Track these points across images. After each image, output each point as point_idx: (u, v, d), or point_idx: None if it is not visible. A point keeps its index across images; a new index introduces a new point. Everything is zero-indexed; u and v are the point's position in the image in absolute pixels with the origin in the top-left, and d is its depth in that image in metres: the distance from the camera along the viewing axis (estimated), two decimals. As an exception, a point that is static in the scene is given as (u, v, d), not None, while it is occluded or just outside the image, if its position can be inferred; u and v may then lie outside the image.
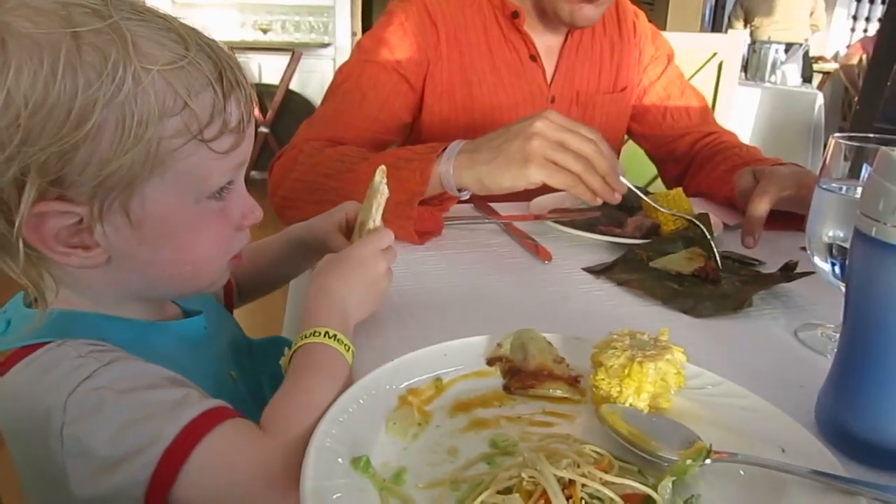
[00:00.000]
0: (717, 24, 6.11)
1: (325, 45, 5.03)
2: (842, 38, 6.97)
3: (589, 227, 1.00)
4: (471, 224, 1.05)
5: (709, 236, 0.91)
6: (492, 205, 1.13)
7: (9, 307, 0.58)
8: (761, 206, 0.95)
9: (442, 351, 0.60)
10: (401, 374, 0.56)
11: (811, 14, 5.47)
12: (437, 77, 1.23)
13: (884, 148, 0.49)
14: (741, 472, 0.48)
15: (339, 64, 1.68)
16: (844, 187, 0.66)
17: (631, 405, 0.53)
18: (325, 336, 0.57)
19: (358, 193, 0.76)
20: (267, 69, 4.73)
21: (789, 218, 0.98)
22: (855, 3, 7.14)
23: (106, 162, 0.48)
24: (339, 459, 0.45)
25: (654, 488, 0.43)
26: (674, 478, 0.44)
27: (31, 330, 0.52)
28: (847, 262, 0.53)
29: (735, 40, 1.98)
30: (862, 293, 0.50)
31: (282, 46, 4.81)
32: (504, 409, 0.55)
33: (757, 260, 0.91)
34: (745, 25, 5.45)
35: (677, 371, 0.55)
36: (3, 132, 0.46)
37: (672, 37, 1.47)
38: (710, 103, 1.78)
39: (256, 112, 0.57)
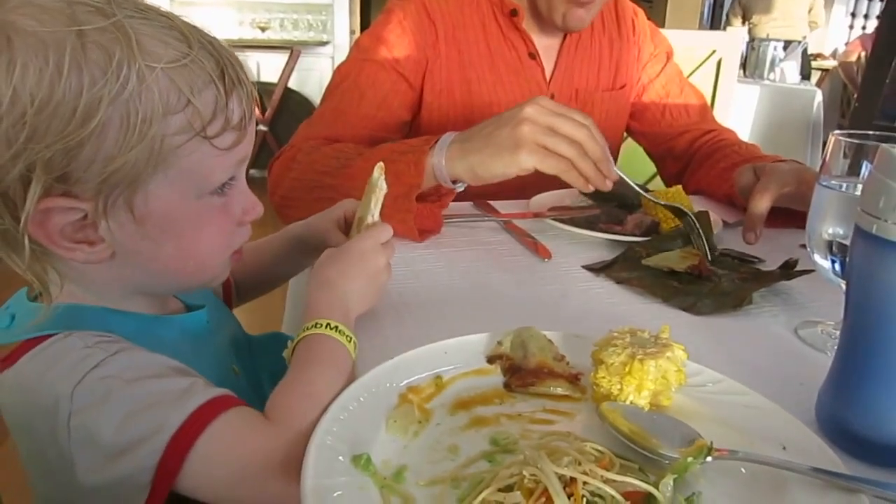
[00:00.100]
0: (715, 21, 6.11)
1: (323, 44, 5.03)
2: (840, 35, 6.97)
3: (588, 224, 1.00)
4: (470, 222, 1.05)
5: (696, 223, 0.91)
6: (491, 203, 1.13)
7: (12, 302, 0.59)
8: (762, 203, 0.95)
9: (442, 349, 0.60)
10: (401, 372, 0.56)
11: (810, 11, 5.47)
12: (436, 75, 1.22)
13: (884, 145, 0.49)
14: (742, 470, 0.48)
15: (337, 62, 1.68)
16: (845, 184, 0.66)
17: (631, 403, 0.53)
18: (326, 327, 0.58)
19: (355, 189, 0.76)
20: (265, 67, 4.73)
21: (789, 215, 0.98)
22: (853, 0, 7.14)
23: (110, 159, 0.49)
24: (340, 457, 0.45)
25: (656, 486, 0.43)
26: (675, 475, 0.44)
27: (36, 324, 0.53)
28: (847, 260, 0.53)
29: (734, 38, 1.98)
30: (862, 290, 0.50)
31: (280, 45, 4.81)
32: (504, 407, 0.55)
33: (757, 257, 0.91)
34: (744, 23, 5.45)
35: (678, 368, 0.55)
36: (9, 129, 0.46)
37: (671, 34, 1.47)
38: (708, 101, 1.78)
39: (256, 110, 0.58)
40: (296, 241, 0.83)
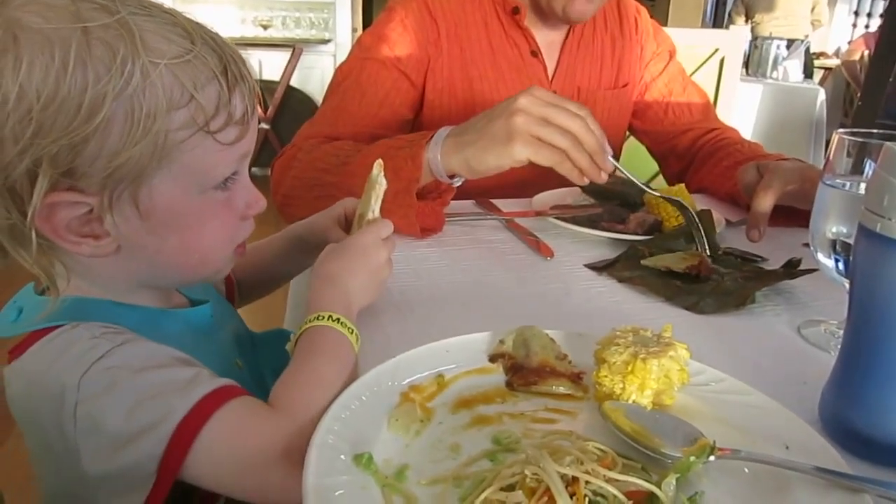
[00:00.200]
0: (718, 20, 6.10)
1: (325, 42, 5.03)
2: (843, 33, 6.95)
3: (591, 223, 1.00)
4: (472, 220, 1.05)
5: (696, 219, 0.91)
6: (493, 201, 1.12)
7: (19, 296, 0.60)
8: (766, 200, 0.95)
9: (444, 347, 0.60)
10: (403, 370, 0.56)
11: (812, 9, 5.46)
12: (438, 73, 1.22)
13: (888, 143, 0.49)
14: (745, 469, 0.47)
15: (339, 60, 1.68)
16: (848, 183, 0.66)
17: (634, 402, 0.53)
18: (329, 319, 0.58)
19: (355, 186, 0.76)
20: (267, 65, 4.73)
21: (793, 213, 0.98)
22: (857, -1, 7.12)
23: (115, 154, 0.49)
24: (342, 456, 0.45)
25: (658, 485, 0.43)
26: (677, 475, 0.44)
27: (44, 316, 0.54)
28: (851, 259, 0.52)
29: (736, 36, 1.97)
30: (866, 289, 0.50)
31: (282, 42, 4.81)
32: (506, 406, 0.55)
33: (760, 256, 0.91)
34: (747, 21, 5.44)
35: (680, 368, 0.54)
36: (16, 125, 0.47)
37: (673, 33, 1.47)
38: (711, 99, 1.77)
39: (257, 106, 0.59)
40: (297, 240, 0.83)
